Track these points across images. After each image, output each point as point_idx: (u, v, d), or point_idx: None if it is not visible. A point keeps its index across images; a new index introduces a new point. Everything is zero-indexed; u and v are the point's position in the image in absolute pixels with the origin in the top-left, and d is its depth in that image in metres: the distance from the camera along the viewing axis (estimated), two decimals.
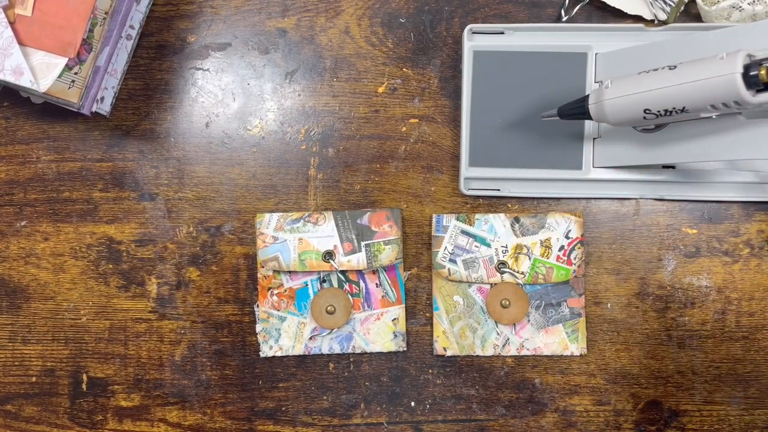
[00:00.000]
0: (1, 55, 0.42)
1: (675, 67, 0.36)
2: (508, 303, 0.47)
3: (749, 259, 0.48)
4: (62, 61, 0.43)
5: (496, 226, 0.47)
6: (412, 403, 0.49)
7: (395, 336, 0.48)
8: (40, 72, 0.43)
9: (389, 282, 0.48)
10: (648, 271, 0.48)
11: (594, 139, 0.46)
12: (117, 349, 0.49)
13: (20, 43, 0.42)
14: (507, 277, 0.47)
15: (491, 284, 0.48)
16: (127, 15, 0.46)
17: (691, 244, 0.48)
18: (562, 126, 0.46)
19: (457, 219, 0.48)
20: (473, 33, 0.46)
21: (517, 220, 0.47)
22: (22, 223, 0.49)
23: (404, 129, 0.49)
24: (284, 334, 0.48)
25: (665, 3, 0.47)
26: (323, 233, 0.47)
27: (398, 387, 0.49)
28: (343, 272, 0.48)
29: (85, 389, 0.49)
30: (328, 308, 0.47)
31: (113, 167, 0.49)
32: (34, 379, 0.49)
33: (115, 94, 0.47)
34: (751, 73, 0.33)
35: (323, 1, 0.49)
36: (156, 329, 0.49)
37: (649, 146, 0.43)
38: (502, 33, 0.46)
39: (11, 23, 0.42)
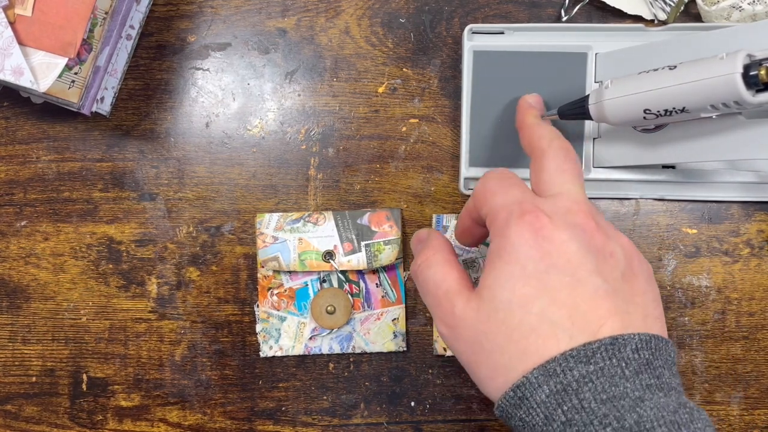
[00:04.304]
0: (1, 55, 0.42)
1: (675, 67, 0.36)
2: None
3: (749, 259, 0.48)
4: (62, 61, 0.43)
5: None
6: (412, 403, 0.49)
7: (395, 336, 0.48)
8: (40, 72, 0.43)
9: (389, 282, 0.48)
10: None
11: (594, 139, 0.46)
12: (117, 349, 0.49)
13: (20, 43, 0.42)
14: None
15: None
16: (127, 15, 0.46)
17: (691, 244, 0.48)
18: (562, 126, 0.46)
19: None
20: (473, 33, 0.46)
21: None
22: (22, 223, 0.49)
23: (404, 129, 0.49)
24: (284, 334, 0.48)
25: (665, 3, 0.47)
26: (323, 233, 0.47)
27: (398, 387, 0.49)
28: (343, 272, 0.48)
29: (85, 389, 0.49)
30: (328, 308, 0.47)
31: (113, 167, 0.49)
32: (34, 379, 0.49)
33: (115, 94, 0.47)
34: (751, 73, 0.33)
35: (323, 1, 0.49)
36: (156, 329, 0.49)
37: (649, 146, 0.43)
38: (502, 33, 0.46)
39: (11, 23, 0.42)
